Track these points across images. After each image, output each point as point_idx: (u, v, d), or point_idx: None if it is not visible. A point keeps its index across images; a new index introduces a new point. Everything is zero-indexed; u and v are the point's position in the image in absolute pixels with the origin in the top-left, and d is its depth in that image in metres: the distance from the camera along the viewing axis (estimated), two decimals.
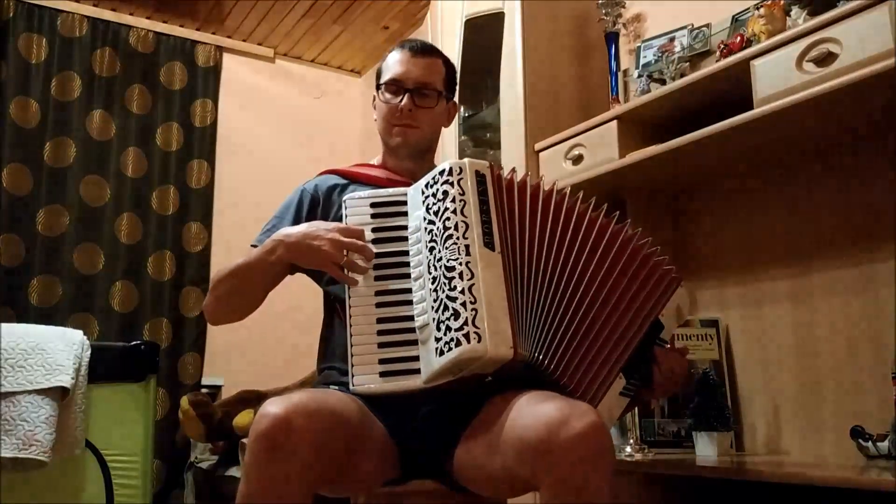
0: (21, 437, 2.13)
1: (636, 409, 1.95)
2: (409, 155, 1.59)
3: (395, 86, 1.56)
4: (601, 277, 1.34)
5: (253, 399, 3.01)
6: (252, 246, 1.50)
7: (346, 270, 1.35)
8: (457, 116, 2.58)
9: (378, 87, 1.60)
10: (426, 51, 1.59)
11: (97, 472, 2.34)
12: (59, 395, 2.25)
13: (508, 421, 1.20)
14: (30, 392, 2.19)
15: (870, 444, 1.60)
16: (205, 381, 3.51)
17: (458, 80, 1.70)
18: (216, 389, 3.51)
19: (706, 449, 1.85)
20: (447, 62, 1.64)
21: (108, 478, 2.34)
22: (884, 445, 1.58)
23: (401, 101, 1.55)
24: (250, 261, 1.42)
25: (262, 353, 3.68)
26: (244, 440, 2.73)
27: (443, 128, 1.67)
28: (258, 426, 1.12)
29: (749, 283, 2.06)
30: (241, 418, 2.82)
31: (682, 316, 1.47)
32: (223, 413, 2.92)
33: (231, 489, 2.74)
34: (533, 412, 1.15)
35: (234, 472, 2.79)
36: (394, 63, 1.58)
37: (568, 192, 1.41)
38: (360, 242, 1.33)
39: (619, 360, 1.32)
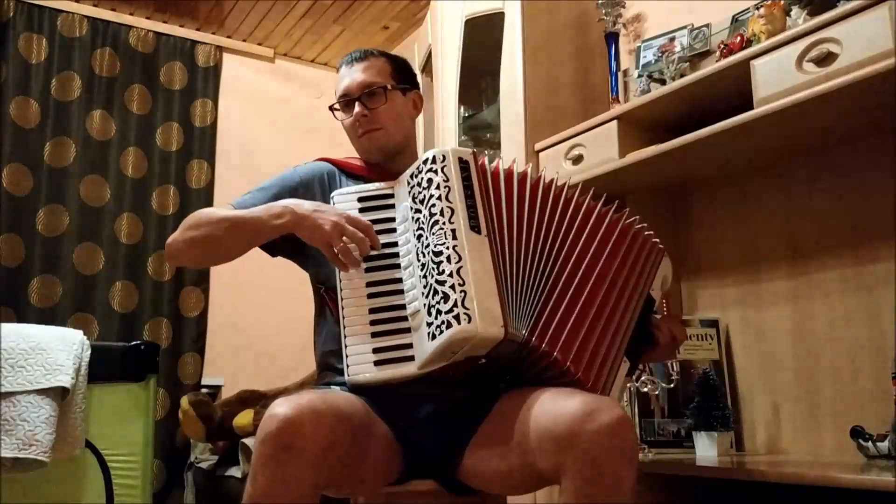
0: (21, 437, 2.13)
1: (636, 409, 1.96)
2: (384, 157, 1.59)
3: (345, 100, 1.58)
4: (590, 257, 1.36)
5: (253, 399, 3.01)
6: (233, 205, 1.49)
7: (339, 256, 1.34)
8: (457, 116, 2.60)
9: (333, 111, 1.62)
10: (361, 56, 1.60)
11: (97, 472, 2.33)
12: (59, 395, 2.25)
13: (531, 416, 1.20)
14: (30, 392, 2.19)
15: (870, 444, 1.60)
16: (205, 381, 3.51)
17: (414, 72, 1.68)
18: (216, 389, 3.51)
19: (706, 449, 1.85)
20: (391, 57, 1.63)
21: (108, 478, 2.34)
22: (884, 445, 1.58)
23: (353, 111, 1.56)
24: (248, 216, 1.41)
25: (262, 353, 3.69)
26: (244, 440, 2.73)
27: (413, 119, 1.66)
28: (267, 427, 1.11)
29: (749, 283, 2.06)
30: (241, 418, 2.82)
31: (666, 284, 1.51)
32: (223, 413, 2.92)
33: (231, 489, 2.74)
34: (558, 406, 1.16)
35: (234, 472, 2.79)
36: (338, 82, 1.61)
37: (555, 179, 1.42)
38: (360, 234, 1.33)
39: (622, 344, 1.35)
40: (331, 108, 1.62)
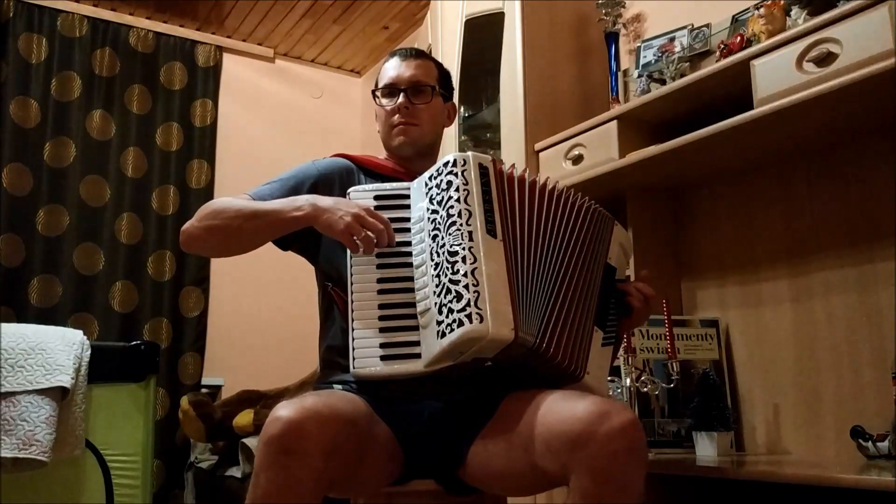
0: (21, 437, 2.13)
1: (636, 409, 1.96)
2: (412, 154, 1.61)
3: (390, 89, 1.61)
4: (584, 257, 1.40)
5: (253, 399, 3.01)
6: (250, 195, 1.50)
7: (360, 243, 1.35)
8: (457, 116, 2.60)
9: (375, 96, 1.64)
10: (417, 54, 1.65)
11: (97, 472, 2.33)
12: (59, 395, 2.25)
13: (539, 417, 1.21)
14: (30, 392, 2.19)
15: (870, 444, 1.60)
16: (205, 381, 3.51)
17: (453, 84, 1.74)
18: (216, 389, 3.51)
19: (706, 449, 1.85)
20: (439, 65, 1.69)
21: (108, 478, 2.34)
22: (884, 445, 1.58)
23: (396, 101, 1.59)
24: (267, 208, 1.42)
25: (262, 353, 3.69)
26: (244, 440, 2.73)
27: (445, 128, 1.70)
28: (270, 430, 1.11)
29: (749, 283, 2.06)
30: (241, 418, 2.82)
31: (627, 253, 1.55)
32: (223, 413, 2.92)
33: (231, 489, 2.74)
34: (569, 407, 1.16)
35: (233, 472, 2.79)
36: (386, 70, 1.64)
37: (562, 186, 1.45)
38: (380, 226, 1.35)
39: (588, 315, 1.38)
40: (373, 93, 1.65)
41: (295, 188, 1.52)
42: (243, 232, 1.45)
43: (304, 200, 1.40)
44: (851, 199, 1.83)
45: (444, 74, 1.68)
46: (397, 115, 1.59)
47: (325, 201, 1.39)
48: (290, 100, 4.06)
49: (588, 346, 1.36)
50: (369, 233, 1.33)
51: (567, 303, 1.34)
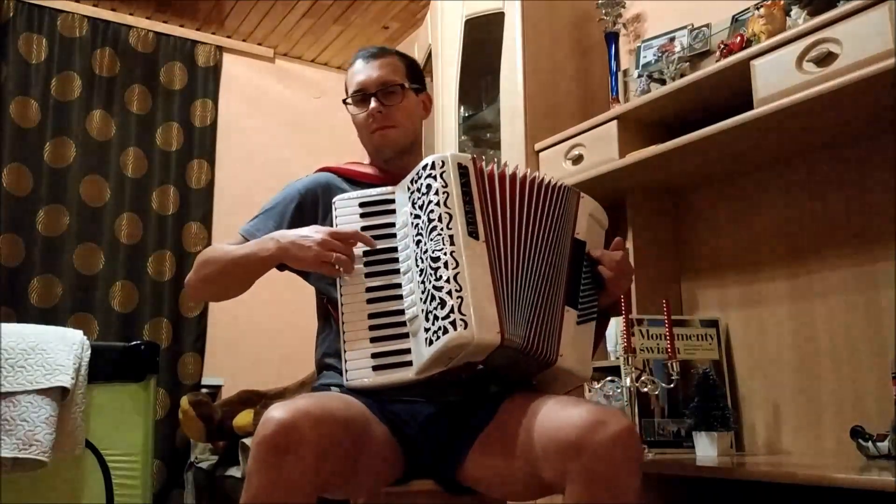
0: (21, 437, 2.13)
1: (636, 409, 1.95)
2: (394, 154, 1.60)
3: (360, 94, 1.58)
4: (555, 240, 1.37)
5: (253, 399, 3.01)
6: (241, 234, 1.54)
7: (335, 267, 1.36)
8: (457, 116, 2.60)
9: (346, 104, 1.62)
10: (379, 53, 1.61)
11: (97, 472, 2.33)
12: (59, 395, 2.25)
13: (536, 423, 1.21)
14: (30, 392, 2.19)
15: (870, 444, 1.60)
16: (205, 381, 3.51)
17: (423, 73, 1.70)
18: (216, 389, 3.50)
19: (706, 449, 1.85)
20: (405, 57, 1.65)
21: (108, 478, 2.34)
22: (884, 445, 1.58)
23: (369, 106, 1.56)
24: (242, 253, 1.44)
25: (262, 353, 3.68)
26: (244, 440, 2.73)
27: (422, 120, 1.68)
28: (263, 431, 1.11)
29: (749, 283, 2.06)
30: (241, 418, 2.82)
31: (602, 223, 1.49)
32: (223, 413, 2.92)
33: (231, 489, 2.74)
34: (566, 414, 1.16)
35: (233, 472, 2.79)
36: (353, 75, 1.60)
37: (534, 173, 1.42)
38: (344, 256, 1.34)
39: (557, 297, 1.33)
40: (344, 101, 1.63)
41: (279, 215, 1.53)
42: (232, 278, 1.49)
43: (270, 239, 1.41)
44: (851, 199, 1.83)
45: (411, 67, 1.64)
46: (373, 121, 1.56)
47: (287, 236, 1.39)
48: (290, 100, 4.06)
49: (559, 328, 1.32)
50: (340, 255, 1.33)
51: (546, 293, 1.32)
